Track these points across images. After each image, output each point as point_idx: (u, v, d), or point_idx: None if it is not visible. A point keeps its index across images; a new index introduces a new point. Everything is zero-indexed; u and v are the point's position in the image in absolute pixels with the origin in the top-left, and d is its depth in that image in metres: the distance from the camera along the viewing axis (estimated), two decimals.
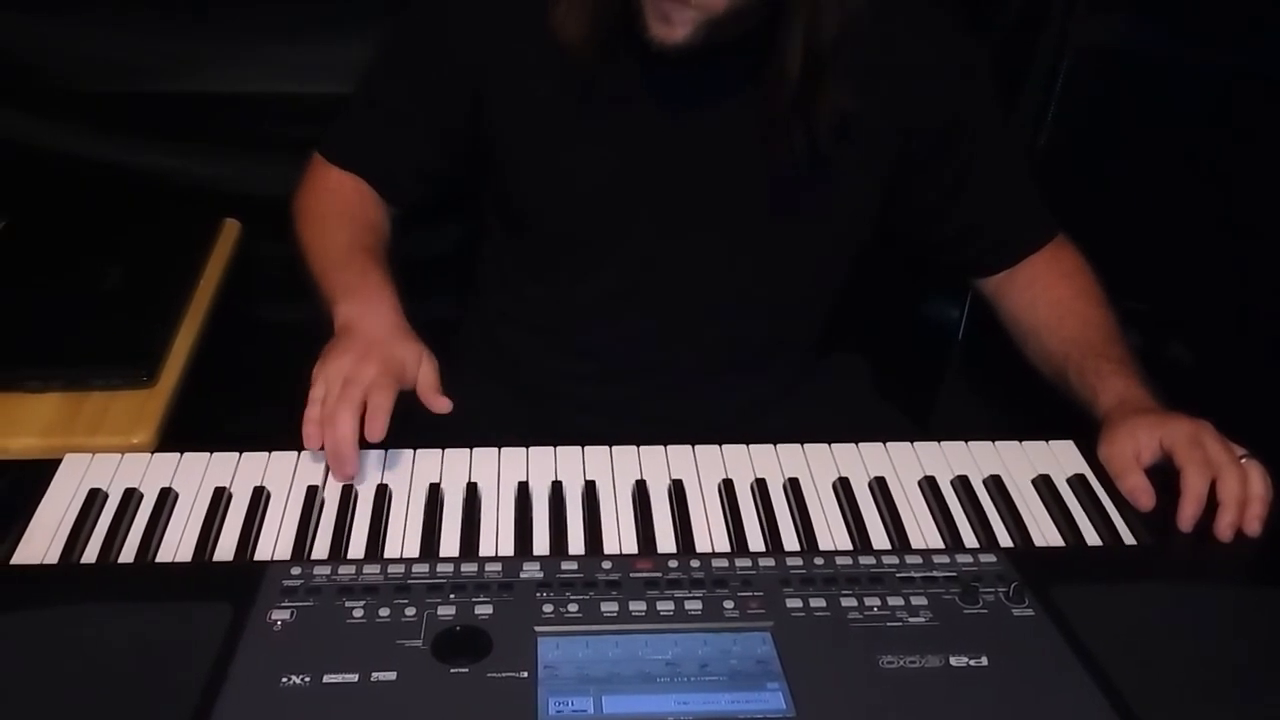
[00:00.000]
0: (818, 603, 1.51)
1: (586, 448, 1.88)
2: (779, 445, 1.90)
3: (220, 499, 1.74)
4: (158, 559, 1.64)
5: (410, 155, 2.18)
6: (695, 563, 1.58)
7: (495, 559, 1.60)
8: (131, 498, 1.74)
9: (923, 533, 1.73)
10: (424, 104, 2.11)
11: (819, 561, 1.59)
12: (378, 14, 2.42)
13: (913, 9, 2.01)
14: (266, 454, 1.83)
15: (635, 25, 1.78)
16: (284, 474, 1.80)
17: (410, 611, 1.48)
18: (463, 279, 2.43)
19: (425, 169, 2.21)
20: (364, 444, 1.76)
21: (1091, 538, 1.74)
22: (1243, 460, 1.75)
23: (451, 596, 1.51)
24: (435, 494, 1.76)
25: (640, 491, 1.77)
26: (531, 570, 1.56)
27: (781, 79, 1.81)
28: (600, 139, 2.01)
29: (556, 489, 1.78)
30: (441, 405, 1.85)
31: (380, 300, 1.96)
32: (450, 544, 1.67)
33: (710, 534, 1.72)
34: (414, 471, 1.82)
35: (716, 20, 1.72)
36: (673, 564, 1.58)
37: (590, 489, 1.78)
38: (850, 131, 1.92)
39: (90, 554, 1.65)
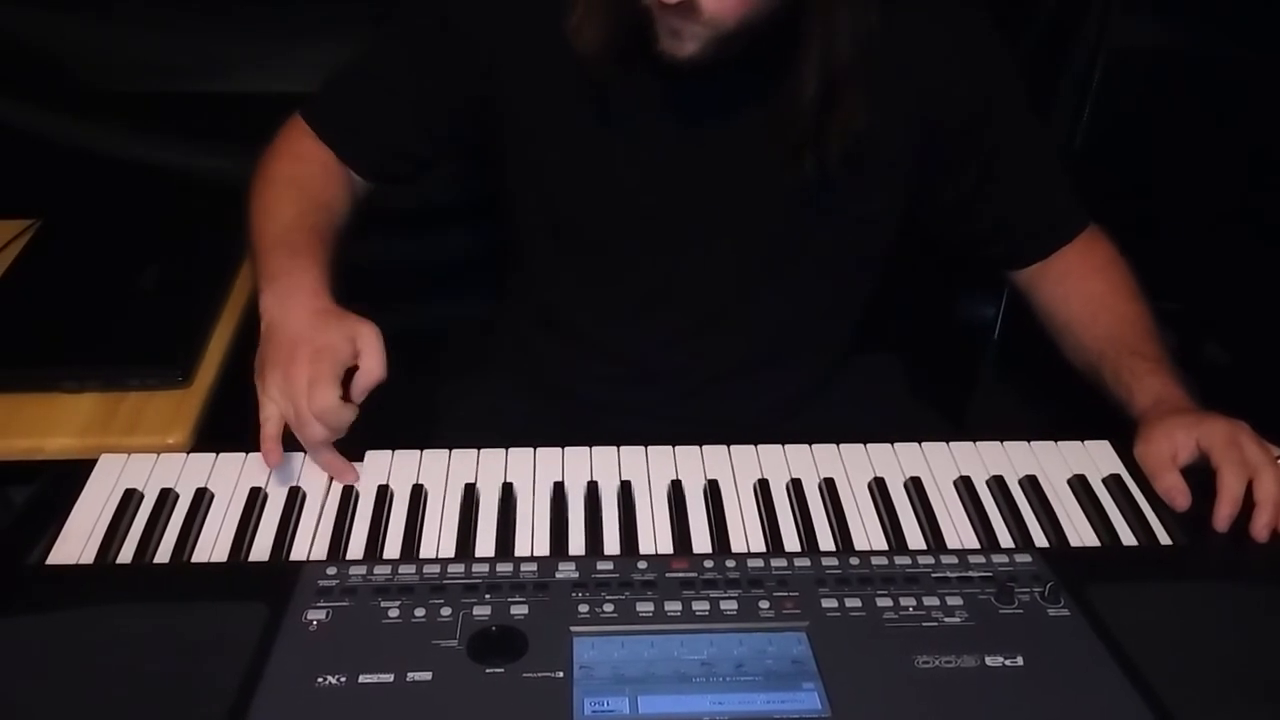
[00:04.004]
0: (853, 603, 1.51)
1: (622, 448, 1.88)
2: (814, 445, 1.90)
3: (256, 499, 1.75)
4: (193, 559, 1.65)
5: (391, 133, 2.13)
6: (731, 563, 1.58)
7: (531, 559, 1.60)
8: (167, 498, 1.75)
9: (958, 533, 1.73)
10: (421, 86, 2.07)
11: (854, 561, 1.59)
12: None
13: (930, 2, 2.00)
14: (302, 454, 1.83)
15: (648, 37, 1.77)
16: (320, 474, 1.80)
17: (446, 612, 1.48)
18: (495, 280, 2.43)
19: (404, 149, 2.16)
20: (393, 445, 1.78)
21: (1127, 538, 1.73)
22: (1279, 461, 1.75)
23: (487, 597, 1.51)
24: (471, 494, 1.77)
25: (676, 491, 1.77)
26: (567, 570, 1.56)
27: (796, 103, 1.80)
28: (618, 146, 2.00)
29: (592, 489, 1.78)
30: (355, 392, 1.77)
31: (301, 285, 1.87)
32: (486, 544, 1.68)
33: (746, 534, 1.71)
34: (449, 472, 1.82)
35: (726, 36, 1.71)
36: (708, 564, 1.58)
37: (626, 489, 1.78)
38: (864, 148, 1.90)
39: (126, 554, 1.65)
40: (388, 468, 1.83)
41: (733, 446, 1.88)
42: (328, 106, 2.16)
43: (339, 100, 2.16)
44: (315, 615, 1.47)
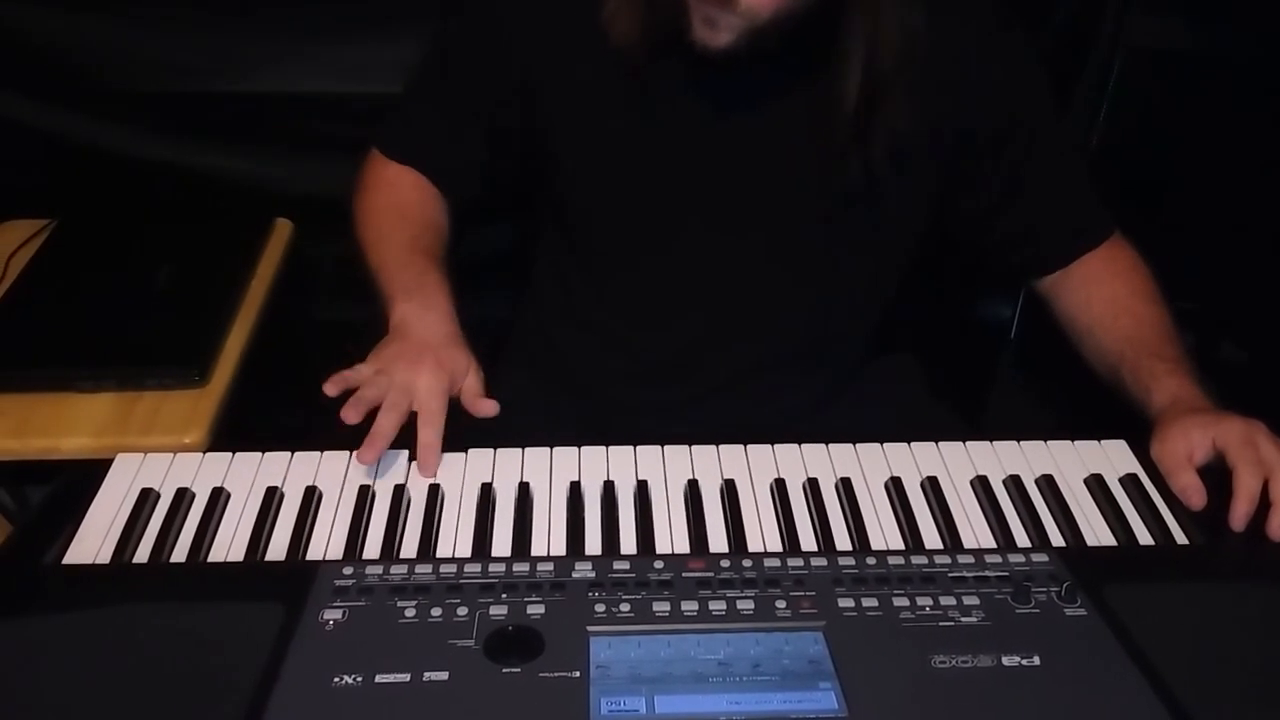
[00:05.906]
0: (870, 602, 1.51)
1: (639, 447, 1.87)
2: (831, 445, 1.89)
3: (272, 499, 1.75)
4: (210, 559, 1.65)
5: (465, 149, 2.16)
6: (747, 562, 1.58)
7: (547, 559, 1.60)
8: (183, 497, 1.75)
9: (975, 532, 1.72)
10: (477, 99, 2.09)
11: (871, 561, 1.59)
12: (428, 14, 2.42)
13: (960, 8, 1.98)
14: (319, 454, 1.83)
15: (682, 27, 1.77)
16: (336, 474, 1.80)
17: (462, 611, 1.48)
18: (518, 277, 2.43)
19: (480, 164, 2.19)
20: (409, 444, 1.79)
21: (1144, 537, 1.72)
22: None
23: (503, 596, 1.51)
24: (487, 494, 1.76)
25: (693, 491, 1.77)
26: (584, 570, 1.56)
27: (839, 104, 1.80)
28: (649, 137, 1.99)
29: (609, 489, 1.77)
30: (485, 408, 1.88)
31: (436, 305, 1.97)
32: (502, 544, 1.67)
33: (762, 533, 1.71)
34: (466, 471, 1.82)
35: (761, 28, 1.70)
36: (725, 563, 1.57)
37: (642, 488, 1.78)
38: (899, 151, 1.90)
39: (142, 554, 1.65)
40: (405, 467, 1.82)
41: (749, 446, 1.88)
42: (402, 133, 2.22)
43: (411, 126, 2.21)
44: (331, 615, 1.47)
